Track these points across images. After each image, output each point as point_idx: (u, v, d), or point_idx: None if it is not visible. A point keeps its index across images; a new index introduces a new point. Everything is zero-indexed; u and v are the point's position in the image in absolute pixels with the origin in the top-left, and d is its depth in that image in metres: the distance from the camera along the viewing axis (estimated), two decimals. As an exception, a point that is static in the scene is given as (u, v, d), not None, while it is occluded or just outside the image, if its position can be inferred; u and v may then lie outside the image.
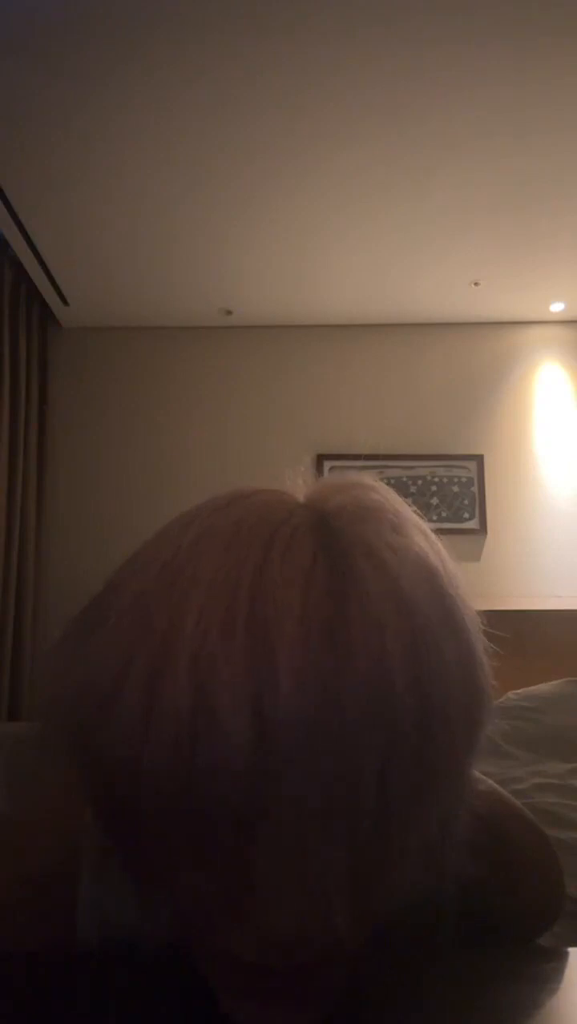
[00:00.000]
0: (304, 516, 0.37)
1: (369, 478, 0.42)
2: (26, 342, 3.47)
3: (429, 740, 0.33)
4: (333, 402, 3.78)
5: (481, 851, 0.42)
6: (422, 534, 0.39)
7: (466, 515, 3.67)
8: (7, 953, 0.50)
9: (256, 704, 0.31)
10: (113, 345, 3.87)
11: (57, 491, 3.66)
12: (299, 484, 0.41)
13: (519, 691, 1.85)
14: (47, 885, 0.51)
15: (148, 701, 0.32)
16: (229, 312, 3.73)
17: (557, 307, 3.69)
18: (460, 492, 3.69)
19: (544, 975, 0.52)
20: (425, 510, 0.47)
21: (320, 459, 3.62)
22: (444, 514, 3.66)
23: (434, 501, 3.67)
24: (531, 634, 2.66)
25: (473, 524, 3.66)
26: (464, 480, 3.70)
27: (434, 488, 3.69)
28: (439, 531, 0.41)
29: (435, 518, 3.64)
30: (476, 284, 3.47)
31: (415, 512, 0.41)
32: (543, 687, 1.89)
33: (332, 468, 3.60)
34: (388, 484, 0.42)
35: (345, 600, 0.33)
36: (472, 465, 3.72)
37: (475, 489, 3.69)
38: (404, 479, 3.66)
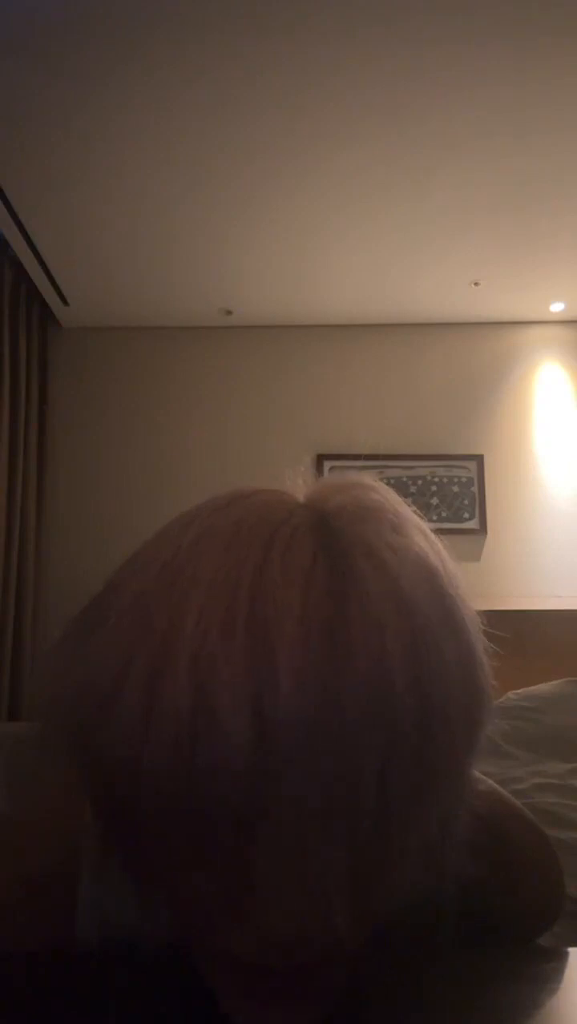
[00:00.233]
0: (304, 516, 0.37)
1: (369, 478, 0.42)
2: (26, 342, 3.47)
3: (429, 740, 0.33)
4: (333, 402, 3.77)
5: (481, 851, 0.42)
6: (422, 534, 0.39)
7: (466, 515, 3.67)
8: (7, 953, 0.50)
9: (256, 704, 0.31)
10: (113, 345, 3.87)
11: (57, 491, 3.66)
12: (299, 484, 0.41)
13: (519, 691, 1.85)
14: (47, 885, 0.51)
15: (148, 701, 0.32)
16: (229, 312, 3.73)
17: (557, 307, 3.69)
18: (460, 492, 3.69)
19: (544, 975, 0.52)
20: (425, 510, 0.47)
21: (320, 459, 3.62)
22: (444, 514, 3.66)
23: (434, 501, 3.67)
24: (531, 634, 2.66)
25: (473, 524, 3.66)
26: (464, 480, 3.70)
27: (434, 488, 3.69)
28: (439, 531, 0.41)
29: (435, 518, 3.64)
30: (476, 284, 3.47)
31: (415, 512, 0.41)
32: (543, 687, 1.89)
33: (332, 468, 3.60)
34: (388, 484, 0.42)
35: (345, 600, 0.33)
36: (472, 465, 3.72)
37: (475, 489, 3.69)
38: (404, 479, 3.66)
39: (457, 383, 3.82)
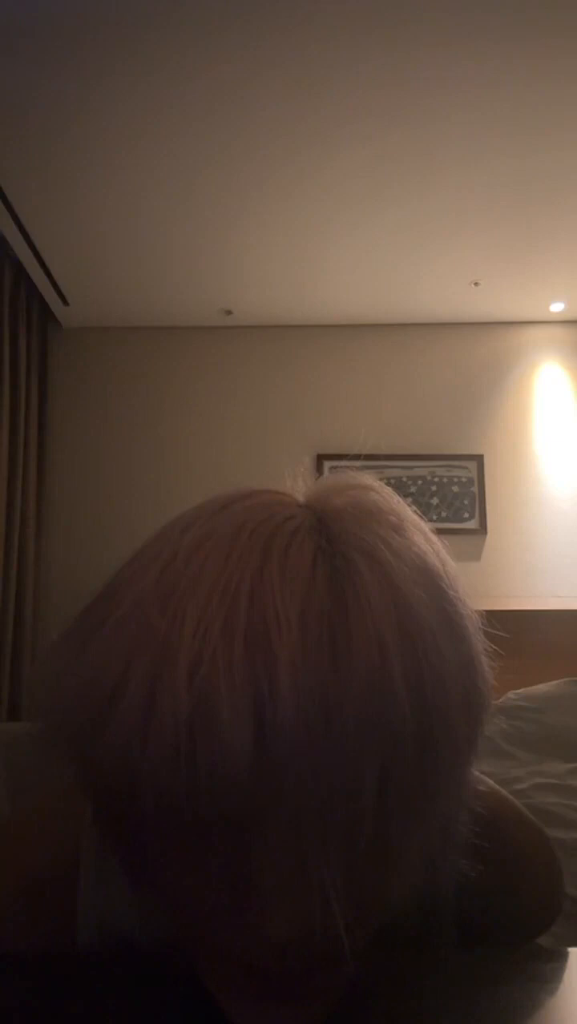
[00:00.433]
0: (304, 518, 0.37)
1: (369, 478, 0.42)
2: (26, 342, 3.47)
3: (429, 744, 0.33)
4: (333, 402, 3.77)
5: (481, 851, 0.42)
6: (422, 534, 0.39)
7: (466, 515, 3.67)
8: (7, 954, 0.50)
9: (256, 710, 0.31)
10: (113, 345, 3.87)
11: (57, 491, 3.66)
12: (299, 484, 0.41)
13: (519, 691, 1.85)
14: (47, 887, 0.51)
15: (148, 706, 0.32)
16: (229, 312, 3.73)
17: (557, 307, 3.69)
18: (460, 492, 3.69)
19: (544, 975, 0.52)
20: (425, 510, 0.47)
21: (320, 459, 3.62)
22: (444, 514, 3.66)
23: (434, 501, 3.67)
24: (531, 634, 2.66)
25: (473, 524, 3.66)
26: (464, 480, 3.70)
27: (434, 488, 3.69)
28: (439, 531, 0.41)
29: (435, 518, 3.64)
30: (476, 284, 3.47)
31: (415, 512, 0.41)
32: (543, 687, 1.88)
33: (332, 468, 3.59)
34: (388, 484, 0.41)
35: (345, 604, 0.33)
36: (472, 465, 3.72)
37: (475, 489, 3.69)
38: (404, 479, 3.66)
39: (457, 383, 3.82)
